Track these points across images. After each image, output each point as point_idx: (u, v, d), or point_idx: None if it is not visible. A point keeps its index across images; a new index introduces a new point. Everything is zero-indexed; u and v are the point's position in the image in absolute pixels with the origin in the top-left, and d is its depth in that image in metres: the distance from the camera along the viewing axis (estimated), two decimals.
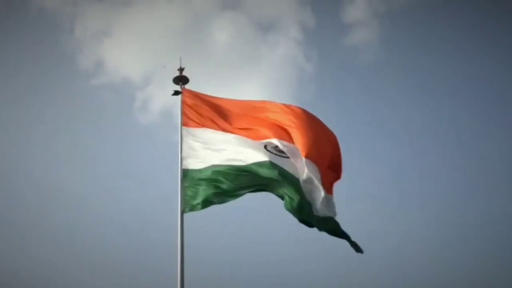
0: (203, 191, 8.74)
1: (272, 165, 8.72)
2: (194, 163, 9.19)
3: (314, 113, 9.75)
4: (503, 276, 18.57)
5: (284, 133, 9.26)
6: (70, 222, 19.55)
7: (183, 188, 8.90)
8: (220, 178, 8.80)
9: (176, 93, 10.13)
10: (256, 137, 9.37)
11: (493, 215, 21.13)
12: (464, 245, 19.85)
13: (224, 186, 8.72)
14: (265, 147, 9.10)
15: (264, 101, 10.06)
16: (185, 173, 9.06)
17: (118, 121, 23.89)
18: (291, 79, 24.96)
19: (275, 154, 8.97)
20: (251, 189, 8.84)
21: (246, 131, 9.53)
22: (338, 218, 8.61)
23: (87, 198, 20.53)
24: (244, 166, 8.88)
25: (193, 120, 9.76)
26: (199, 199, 8.68)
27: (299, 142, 8.91)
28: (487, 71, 25.33)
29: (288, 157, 8.92)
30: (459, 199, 21.93)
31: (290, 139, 9.13)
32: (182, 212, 8.69)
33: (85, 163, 22.43)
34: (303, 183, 8.53)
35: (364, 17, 24.96)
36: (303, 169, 8.58)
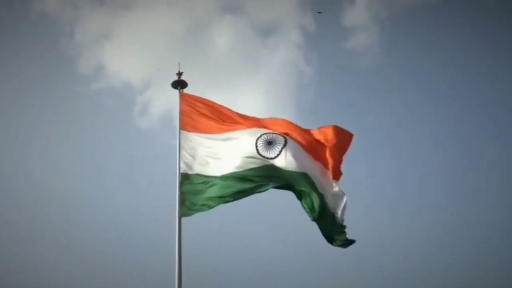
0: (230, 187, 8.88)
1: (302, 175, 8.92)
2: (201, 168, 9.27)
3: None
4: (499, 278, 18.63)
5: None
6: (69, 224, 19.64)
7: (181, 192, 8.96)
8: (241, 176, 8.96)
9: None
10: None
11: (492, 216, 21.20)
12: (461, 247, 19.93)
13: (253, 179, 8.92)
14: (257, 141, 9.22)
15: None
16: (185, 177, 9.11)
17: (118, 124, 23.99)
18: (291, 83, 25.05)
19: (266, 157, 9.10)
20: (275, 185, 8.96)
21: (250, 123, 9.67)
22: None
23: (87, 201, 20.62)
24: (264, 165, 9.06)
25: (192, 125, 9.80)
26: (228, 193, 8.81)
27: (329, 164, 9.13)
28: (488, 74, 25.39)
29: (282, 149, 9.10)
30: (458, 200, 22.01)
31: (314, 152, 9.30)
32: (180, 216, 8.75)
33: (85, 166, 22.53)
34: (330, 197, 8.81)
35: (364, 21, 25.04)
36: (331, 188, 8.86)
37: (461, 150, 23.78)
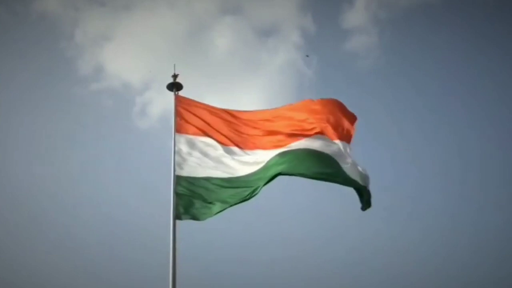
0: (223, 191, 8.84)
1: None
2: (195, 170, 9.27)
3: None
4: (498, 279, 18.67)
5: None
6: (67, 224, 19.73)
7: (175, 194, 8.92)
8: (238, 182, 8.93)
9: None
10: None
11: (490, 217, 21.23)
12: (460, 248, 19.97)
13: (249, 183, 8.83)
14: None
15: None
16: (179, 179, 9.09)
17: (117, 125, 24.05)
18: (291, 84, 25.03)
19: None
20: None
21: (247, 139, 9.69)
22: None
23: (86, 200, 20.71)
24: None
25: (187, 127, 9.84)
26: (222, 198, 8.75)
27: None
28: (488, 75, 25.36)
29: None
30: (456, 201, 22.06)
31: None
32: (175, 219, 8.71)
33: (84, 166, 22.57)
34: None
35: (364, 22, 25.03)
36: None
37: (460, 151, 23.82)
